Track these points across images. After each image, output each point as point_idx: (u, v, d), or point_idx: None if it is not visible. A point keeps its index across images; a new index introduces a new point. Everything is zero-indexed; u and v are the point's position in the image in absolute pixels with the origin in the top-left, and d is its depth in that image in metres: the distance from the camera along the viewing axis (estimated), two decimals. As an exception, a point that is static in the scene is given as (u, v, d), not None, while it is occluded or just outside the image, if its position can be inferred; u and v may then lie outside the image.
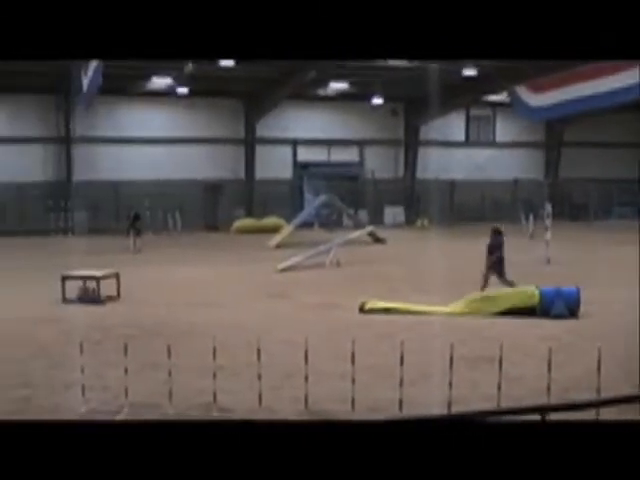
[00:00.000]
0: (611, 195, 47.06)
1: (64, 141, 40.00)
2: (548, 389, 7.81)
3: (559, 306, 14.09)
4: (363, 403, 8.23)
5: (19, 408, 8.69)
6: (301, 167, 44.92)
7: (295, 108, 42.96)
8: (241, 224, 39.33)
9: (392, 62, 33.33)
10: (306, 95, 41.73)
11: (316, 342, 10.01)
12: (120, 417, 8.27)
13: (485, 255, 17.31)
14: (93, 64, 24.89)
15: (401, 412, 7.93)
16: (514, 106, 33.97)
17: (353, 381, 8.07)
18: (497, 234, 17.70)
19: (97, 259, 22.70)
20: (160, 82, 38.19)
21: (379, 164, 45.81)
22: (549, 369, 7.83)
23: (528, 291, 14.69)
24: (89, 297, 16.50)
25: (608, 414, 5.08)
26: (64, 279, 16.69)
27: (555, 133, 48.77)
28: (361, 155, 46.10)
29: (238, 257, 26.85)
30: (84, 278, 16.79)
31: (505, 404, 7.58)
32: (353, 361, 8.14)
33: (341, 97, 43.03)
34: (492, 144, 48.54)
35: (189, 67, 34.08)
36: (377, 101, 41.83)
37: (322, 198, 35.88)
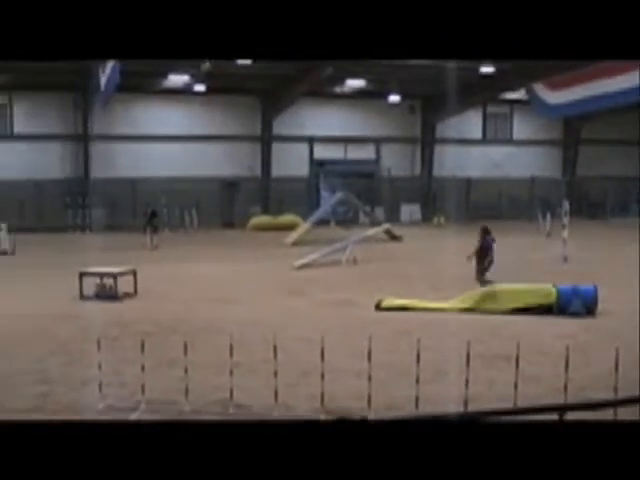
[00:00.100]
0: (629, 193, 46.72)
1: (82, 138, 40.15)
2: (565, 388, 7.77)
3: (576, 304, 14.05)
4: (379, 401, 8.22)
5: (37, 405, 8.74)
6: (317, 164, 44.89)
7: (312, 105, 42.93)
8: (257, 221, 39.36)
9: (409, 59, 33.21)
10: (323, 92, 41.69)
11: (332, 339, 10.02)
12: (137, 414, 8.31)
13: (475, 257, 17.14)
14: (111, 62, 24.95)
15: (417, 410, 7.92)
16: (532, 103, 33.99)
17: (369, 379, 8.06)
18: (487, 234, 17.50)
19: (114, 256, 22.78)
20: (177, 79, 38.26)
21: (396, 162, 45.72)
22: (566, 368, 7.79)
23: (545, 289, 14.64)
24: (106, 294, 16.57)
25: (626, 414, 5.05)
26: (81, 276, 16.77)
27: (573, 130, 48.51)
28: (378, 153, 46.01)
29: (254, 254, 26.87)
30: (101, 275, 16.85)
31: (522, 403, 7.56)
32: (369, 359, 8.13)
33: (358, 94, 42.96)
34: (509, 142, 48.34)
35: (206, 65, 34.11)
36: (394, 98, 41.74)
37: (338, 196, 35.85)
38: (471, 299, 14.73)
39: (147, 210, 31.67)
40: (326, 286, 18.48)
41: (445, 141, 45.68)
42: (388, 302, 15.18)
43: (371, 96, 42.71)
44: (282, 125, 43.23)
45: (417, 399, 8.02)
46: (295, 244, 29.78)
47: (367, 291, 16.89)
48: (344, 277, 20.30)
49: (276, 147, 43.35)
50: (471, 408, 7.43)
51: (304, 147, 44.32)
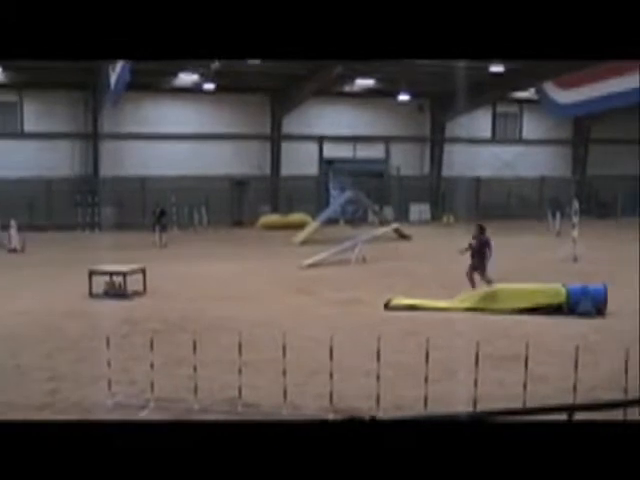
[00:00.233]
0: (639, 192, 46.58)
1: (92, 137, 40.25)
2: (574, 388, 7.75)
3: (586, 304, 14.01)
4: (388, 400, 8.22)
5: (46, 401, 8.78)
6: (327, 163, 44.88)
7: (321, 104, 42.91)
8: (267, 220, 39.39)
9: (417, 59, 33.17)
10: (332, 91, 41.65)
11: (341, 338, 10.02)
12: (146, 412, 8.33)
13: (475, 256, 17.03)
14: (121, 61, 24.96)
15: (426, 409, 7.91)
16: (541, 103, 33.83)
17: (378, 378, 8.06)
18: (482, 232, 17.39)
19: (123, 254, 22.82)
20: (187, 78, 38.29)
21: (405, 161, 45.67)
22: (575, 368, 7.77)
23: (554, 289, 14.60)
24: (115, 292, 16.61)
25: (635, 414, 5.03)
26: (91, 274, 16.81)
27: (582, 130, 48.38)
28: (387, 152, 45.97)
29: (263, 253, 26.90)
30: (111, 273, 16.89)
31: (530, 403, 7.54)
32: (378, 358, 8.12)
33: (367, 93, 42.92)
34: (519, 141, 48.23)
35: (215, 63, 34.13)
36: (403, 97, 41.70)
37: (348, 194, 35.87)
38: (479, 299, 14.69)
39: (156, 209, 31.76)
40: (335, 285, 18.47)
41: (454, 140, 45.65)
42: (397, 301, 15.17)
43: (380, 95, 42.67)
44: (291, 124, 43.24)
45: (426, 399, 8.01)
46: (304, 243, 29.78)
47: (376, 290, 16.88)
48: (353, 276, 20.30)
49: (285, 146, 43.37)
50: (480, 408, 7.42)
51: (313, 146, 44.32)
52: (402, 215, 42.51)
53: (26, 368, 10.39)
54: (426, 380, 8.05)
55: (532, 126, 47.95)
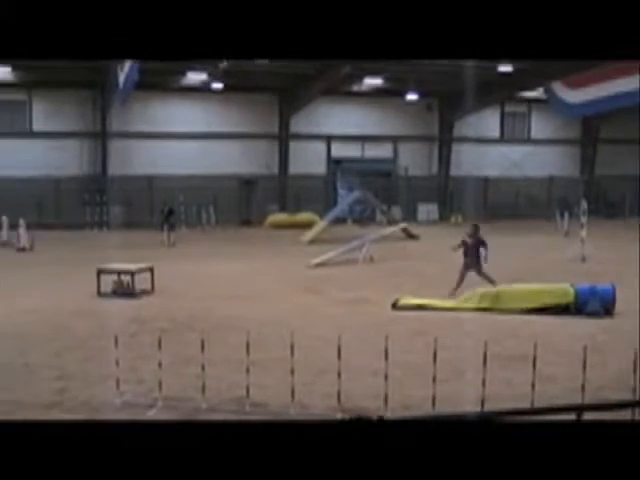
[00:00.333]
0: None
1: (100, 136, 40.34)
2: (582, 388, 7.73)
3: (594, 304, 13.97)
4: (396, 400, 8.22)
5: (55, 400, 8.80)
6: (335, 163, 44.88)
7: (329, 104, 42.90)
8: (275, 219, 39.43)
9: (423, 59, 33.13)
10: (340, 91, 41.64)
11: (349, 338, 10.02)
12: (154, 411, 8.35)
13: (471, 256, 16.99)
14: (129, 60, 25.00)
15: (434, 409, 7.90)
16: (550, 102, 33.78)
17: (386, 378, 8.06)
18: (477, 232, 17.35)
19: (131, 253, 22.85)
20: (195, 77, 38.34)
21: (413, 160, 45.64)
22: (584, 368, 7.75)
23: (563, 289, 14.57)
24: (124, 291, 16.64)
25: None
26: (99, 273, 16.84)
27: (591, 129, 48.27)
28: (395, 151, 45.95)
29: (271, 252, 26.92)
30: (119, 272, 16.92)
31: (538, 403, 7.53)
32: (386, 357, 8.12)
33: (375, 93, 42.90)
34: (527, 141, 48.14)
35: (224, 63, 34.16)
36: (411, 97, 41.66)
37: (355, 194, 35.89)
38: (487, 298, 14.67)
39: (164, 208, 31.84)
40: (343, 284, 18.48)
41: (463, 140, 45.61)
42: (405, 301, 15.17)
43: (389, 94, 42.65)
44: (299, 123, 43.26)
45: (434, 398, 8.01)
46: (312, 242, 29.80)
47: (384, 290, 16.88)
48: (361, 275, 20.30)
49: (293, 145, 43.39)
50: (488, 408, 7.41)
51: (321, 145, 44.33)
52: (410, 215, 42.49)
53: (35, 367, 10.42)
54: (434, 380, 8.04)
55: (540, 126, 47.87)
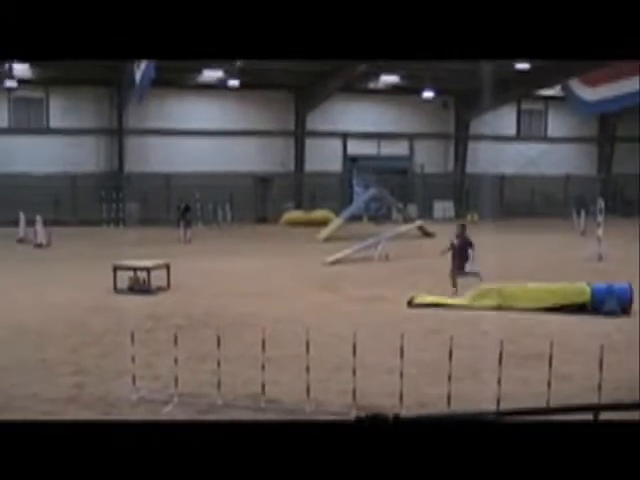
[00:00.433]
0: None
1: (117, 133, 40.48)
2: (599, 388, 7.70)
3: (611, 303, 13.90)
4: (411, 398, 8.21)
5: (71, 395, 8.84)
6: (351, 160, 44.86)
7: (345, 101, 42.88)
8: (290, 216, 39.45)
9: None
10: (357, 88, 41.63)
11: (364, 335, 10.01)
12: (170, 407, 8.37)
13: (456, 255, 16.97)
14: (146, 57, 25.05)
15: (449, 408, 7.89)
16: (567, 100, 33.64)
17: (401, 375, 8.05)
18: (463, 232, 17.33)
19: (147, 250, 22.95)
20: (211, 75, 38.41)
21: (429, 158, 45.55)
22: (600, 368, 7.72)
23: (579, 287, 14.51)
24: (140, 287, 16.70)
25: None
26: (115, 269, 16.90)
27: (608, 127, 48.03)
28: (411, 149, 45.89)
29: (287, 249, 26.95)
30: (135, 268, 16.98)
31: (554, 402, 7.50)
32: (401, 355, 8.12)
33: (392, 90, 42.85)
34: (544, 139, 47.96)
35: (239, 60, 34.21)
36: (428, 94, 41.56)
37: (371, 191, 35.86)
38: (504, 296, 14.62)
39: (180, 205, 31.93)
40: (358, 282, 18.47)
41: (479, 137, 45.47)
42: (420, 299, 15.15)
43: (405, 92, 42.60)
44: (316, 121, 43.26)
45: (449, 397, 7.99)
46: (327, 239, 29.80)
47: (399, 287, 16.87)
48: (376, 273, 20.29)
49: (309, 143, 43.40)
50: (503, 407, 7.39)
51: (337, 143, 44.32)
52: (426, 213, 42.42)
53: (51, 362, 10.48)
54: (449, 378, 8.03)
55: (557, 123, 47.67)
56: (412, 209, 41.72)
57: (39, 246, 27.42)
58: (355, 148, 44.54)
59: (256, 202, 42.49)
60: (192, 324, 13.00)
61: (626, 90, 26.64)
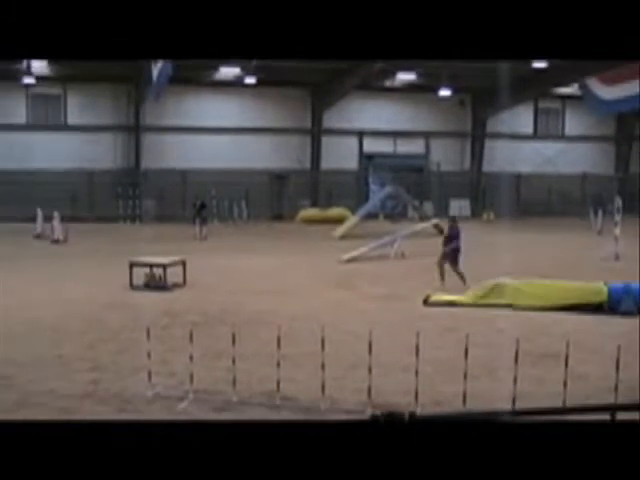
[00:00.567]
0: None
1: (134, 130, 40.60)
2: (616, 388, 7.67)
3: (628, 303, 13.82)
4: (427, 396, 8.20)
5: (87, 391, 8.88)
6: (367, 158, 44.82)
7: (362, 99, 42.83)
8: (306, 214, 39.45)
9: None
10: (373, 86, 41.58)
11: (380, 333, 10.00)
12: (185, 403, 8.39)
13: (442, 245, 17.35)
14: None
15: (464, 406, 7.88)
16: (585, 99, 33.46)
17: (416, 373, 8.04)
18: (453, 223, 17.75)
19: (163, 246, 23.03)
20: (228, 72, 38.46)
21: (445, 156, 45.45)
22: (617, 367, 7.68)
23: (596, 287, 14.43)
24: (156, 284, 16.74)
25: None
26: (132, 266, 16.95)
27: (626, 126, 47.76)
28: (427, 147, 45.80)
29: (303, 247, 26.95)
30: (151, 265, 17.02)
31: (570, 402, 7.48)
32: (417, 353, 8.11)
33: (408, 88, 42.77)
34: (561, 137, 47.75)
35: (256, 57, 34.20)
36: (444, 92, 41.43)
37: (387, 189, 35.81)
38: (520, 295, 14.56)
39: (196, 201, 32.00)
40: (374, 280, 18.46)
41: (495, 136, 45.31)
42: (436, 297, 15.12)
43: (421, 90, 42.51)
44: (332, 118, 43.24)
45: (464, 395, 7.98)
46: (343, 237, 29.79)
47: (415, 285, 16.85)
48: (392, 271, 20.27)
49: (326, 140, 43.38)
50: (519, 406, 7.37)
51: (354, 140, 44.28)
52: (442, 211, 42.28)
53: (68, 358, 10.53)
54: (465, 376, 8.02)
55: (574, 122, 47.45)
56: (428, 207, 41.62)
57: (56, 242, 27.55)
58: (371, 146, 44.49)
59: (272, 199, 42.54)
60: (208, 321, 13.03)
61: (644, 89, 26.47)
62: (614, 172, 47.89)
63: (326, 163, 43.29)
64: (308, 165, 43.47)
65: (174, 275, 17.04)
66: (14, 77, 36.34)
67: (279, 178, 42.56)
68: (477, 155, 45.86)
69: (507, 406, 7.41)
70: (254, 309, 14.14)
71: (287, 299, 15.49)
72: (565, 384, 7.81)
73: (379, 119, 43.71)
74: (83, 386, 9.08)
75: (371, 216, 35.82)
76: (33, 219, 30.78)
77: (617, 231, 22.68)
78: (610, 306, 13.93)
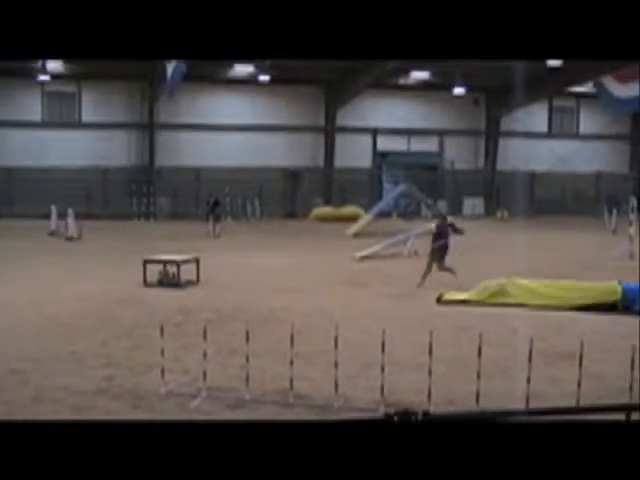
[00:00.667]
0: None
1: (148, 127, 40.73)
2: (630, 388, 7.64)
3: (643, 303, 13.76)
4: (440, 395, 8.18)
5: (101, 387, 8.91)
6: (380, 156, 44.81)
7: (376, 97, 42.83)
8: (319, 212, 39.48)
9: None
10: (387, 84, 41.58)
11: (393, 332, 9.99)
12: (198, 401, 8.41)
13: (430, 242, 17.53)
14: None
15: (478, 405, 7.86)
16: (600, 97, 33.30)
17: (430, 372, 8.02)
18: (443, 221, 18.00)
19: (177, 244, 23.09)
20: (242, 70, 38.52)
21: (459, 154, 45.41)
22: (632, 367, 7.65)
23: (610, 286, 14.36)
24: (169, 281, 16.78)
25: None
26: (145, 263, 17.00)
27: (642, 125, 47.61)
28: (441, 145, 45.75)
29: (316, 245, 26.97)
30: (165, 262, 17.06)
31: (584, 402, 7.45)
32: (430, 352, 8.09)
33: (422, 86, 42.75)
34: (575, 136, 47.61)
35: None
36: (458, 91, 41.39)
37: (401, 188, 35.79)
38: (534, 294, 14.52)
39: (210, 199, 32.06)
40: (387, 278, 18.45)
41: (510, 134, 45.23)
42: (449, 296, 15.09)
43: (435, 88, 42.49)
44: (346, 116, 43.25)
45: (478, 394, 7.96)
46: (357, 235, 29.80)
47: (428, 284, 16.81)
48: (405, 269, 20.23)
49: (339, 138, 43.39)
50: (533, 405, 7.35)
51: (367, 138, 44.28)
52: (456, 209, 42.28)
53: (82, 354, 10.56)
54: (478, 376, 7.99)
55: (589, 121, 47.30)
56: (442, 205, 41.59)
57: (70, 239, 27.66)
58: (385, 144, 44.48)
59: (285, 197, 42.59)
60: (221, 318, 13.05)
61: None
62: (629, 171, 47.70)
63: (340, 161, 43.30)
64: (321, 163, 43.48)
65: (187, 272, 17.07)
66: (29, 75, 36.53)
67: (292, 176, 42.61)
68: (491, 153, 45.78)
69: (521, 405, 7.40)
70: (267, 306, 14.15)
71: (300, 297, 15.50)
72: (579, 384, 7.78)
73: (393, 117, 43.71)
74: (97, 382, 9.11)
75: (384, 214, 35.81)
76: (47, 216, 30.92)
77: (632, 230, 22.59)
78: (624, 305, 13.87)
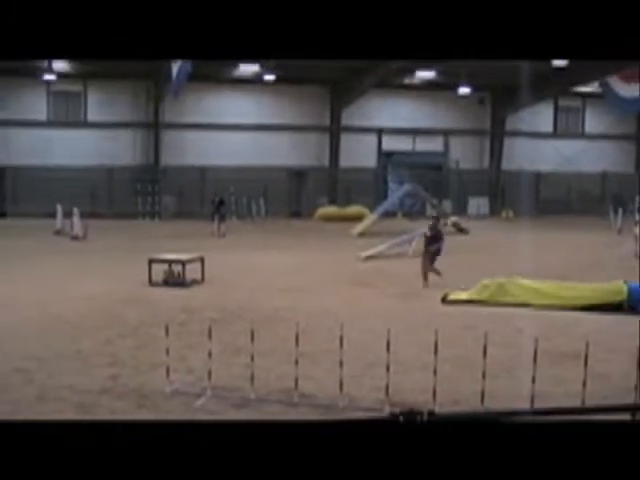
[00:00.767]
0: None
1: (153, 126, 40.75)
2: (636, 388, 7.62)
3: (648, 303, 13.73)
4: (445, 394, 8.17)
5: (106, 386, 8.92)
6: (385, 156, 44.77)
7: (381, 96, 42.77)
8: (325, 212, 39.47)
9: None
10: (392, 84, 41.52)
11: (398, 331, 9.99)
12: (203, 400, 8.41)
13: (424, 245, 17.58)
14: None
15: (483, 405, 7.85)
16: (605, 97, 33.28)
17: (435, 372, 8.02)
18: (436, 223, 18.16)
19: (182, 243, 23.11)
20: (247, 69, 38.50)
21: (464, 154, 45.34)
22: (638, 367, 7.63)
23: (616, 286, 14.33)
24: (174, 280, 16.79)
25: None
26: (150, 262, 17.01)
27: (647, 125, 47.50)
28: (446, 145, 45.68)
29: (321, 244, 26.96)
30: (170, 262, 17.08)
31: (590, 402, 7.44)
32: (435, 352, 8.09)
33: (427, 86, 42.70)
34: (581, 136, 47.51)
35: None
36: (464, 90, 41.33)
37: (406, 187, 35.78)
38: (539, 294, 14.49)
39: (215, 198, 32.06)
40: (392, 278, 18.44)
41: (515, 134, 45.16)
42: (454, 295, 15.08)
43: (440, 88, 42.43)
44: (351, 116, 43.22)
45: (483, 394, 7.95)
46: (362, 235, 29.79)
47: (433, 283, 16.80)
48: (410, 269, 20.19)
49: (344, 138, 43.37)
50: (538, 405, 7.34)
51: (372, 138, 44.24)
52: (460, 209, 42.24)
53: (87, 353, 10.58)
54: (484, 375, 7.99)
55: (595, 121, 47.20)
56: (447, 205, 41.57)
57: (75, 238, 27.68)
58: (390, 144, 44.44)
59: (290, 197, 42.59)
60: (226, 317, 13.06)
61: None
62: (635, 171, 47.59)
63: (345, 161, 43.28)
64: (326, 162, 43.48)
65: (192, 272, 17.09)
66: (35, 74, 36.58)
67: (298, 175, 42.60)
68: (496, 153, 45.72)
69: (526, 405, 7.39)
70: (272, 306, 14.15)
71: (305, 296, 15.50)
72: (584, 384, 7.76)
73: (398, 117, 43.67)
74: (102, 381, 9.12)
75: (389, 214, 35.80)
76: (53, 215, 30.96)
77: (637, 230, 22.57)
78: (630, 305, 13.85)
